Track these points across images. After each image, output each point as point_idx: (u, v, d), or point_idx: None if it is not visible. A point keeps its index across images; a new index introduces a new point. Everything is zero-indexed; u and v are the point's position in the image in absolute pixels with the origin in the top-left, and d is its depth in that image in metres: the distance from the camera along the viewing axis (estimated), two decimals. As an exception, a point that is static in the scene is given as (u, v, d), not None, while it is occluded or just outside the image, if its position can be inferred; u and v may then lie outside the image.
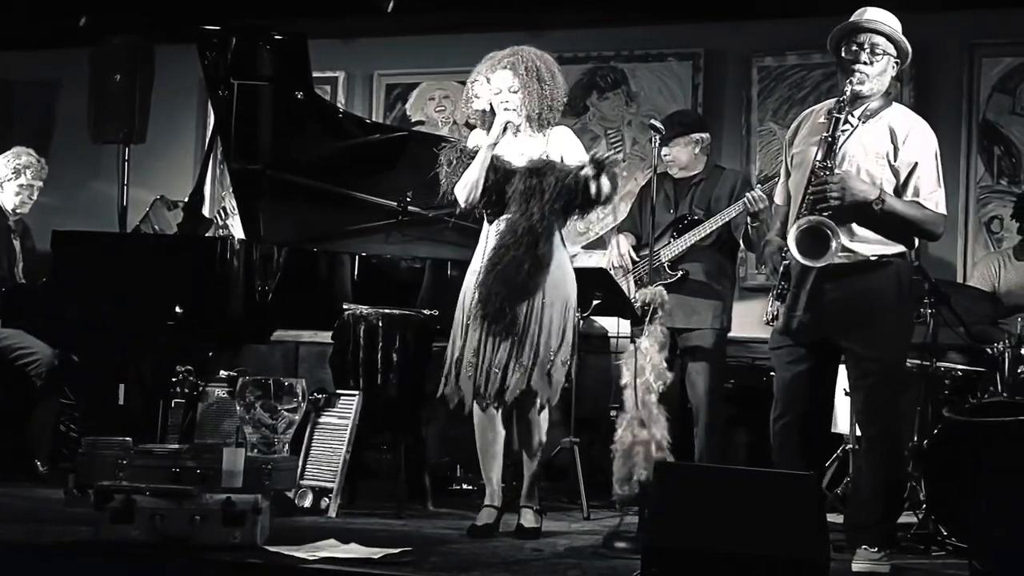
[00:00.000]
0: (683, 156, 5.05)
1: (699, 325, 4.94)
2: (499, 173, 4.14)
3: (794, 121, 3.94)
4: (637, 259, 5.06)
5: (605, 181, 4.09)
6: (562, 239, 4.21)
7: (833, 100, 3.75)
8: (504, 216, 4.14)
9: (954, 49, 5.84)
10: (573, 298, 4.22)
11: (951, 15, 5.80)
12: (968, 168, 5.80)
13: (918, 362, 4.52)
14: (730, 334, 5.08)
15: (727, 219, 4.87)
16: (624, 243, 5.13)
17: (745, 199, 4.73)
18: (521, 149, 4.17)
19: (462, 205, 4.20)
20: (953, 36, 5.83)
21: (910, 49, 3.71)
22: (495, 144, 4.14)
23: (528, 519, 4.15)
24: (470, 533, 4.10)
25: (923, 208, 3.67)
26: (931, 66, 5.83)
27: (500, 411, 4.15)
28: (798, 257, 3.57)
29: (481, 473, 4.26)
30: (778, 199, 3.95)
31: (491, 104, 4.18)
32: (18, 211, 5.45)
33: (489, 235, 4.18)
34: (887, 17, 3.71)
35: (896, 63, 3.72)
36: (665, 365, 4.06)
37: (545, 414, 4.18)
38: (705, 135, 5.12)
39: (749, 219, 4.75)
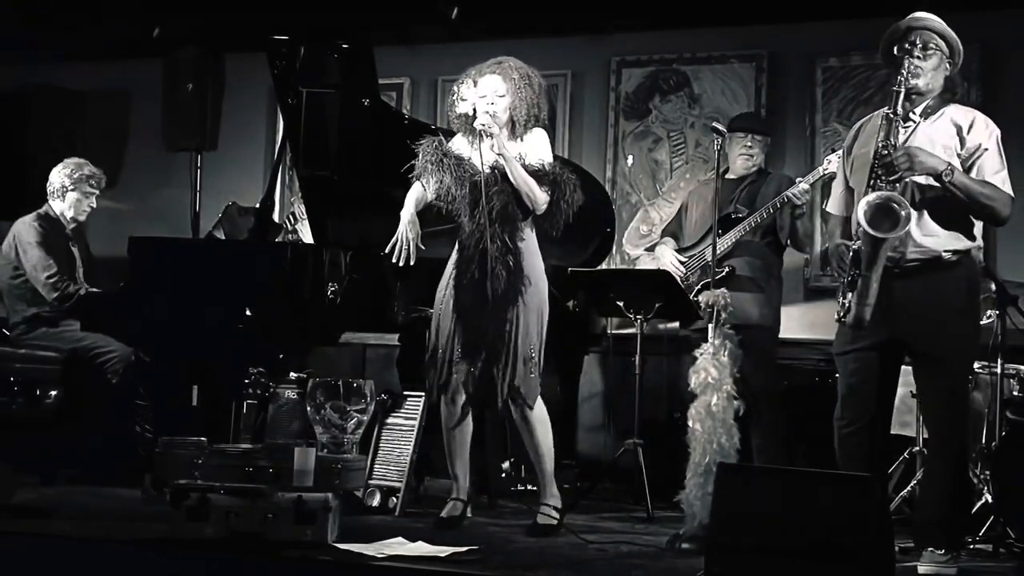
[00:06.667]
0: (761, 156, 5.17)
1: (744, 321, 4.95)
2: (470, 180, 4.17)
3: (851, 130, 3.95)
4: (684, 260, 5.12)
5: (540, 193, 4.11)
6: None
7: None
8: (468, 223, 4.18)
9: (1021, 46, 5.76)
10: (544, 298, 4.21)
11: (1017, 12, 5.72)
12: (1039, 167, 5.71)
13: (986, 364, 4.48)
14: (796, 336, 5.06)
15: (769, 212, 4.93)
16: (667, 252, 5.19)
17: (791, 193, 4.86)
18: (492, 156, 4.15)
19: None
20: (1020, 33, 5.76)
21: (961, 47, 3.71)
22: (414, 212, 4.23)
23: (543, 517, 4.18)
24: (437, 526, 4.15)
25: (990, 185, 3.65)
26: (998, 64, 5.76)
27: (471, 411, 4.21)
28: (868, 228, 3.50)
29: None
30: (833, 209, 3.93)
31: (474, 108, 4.19)
32: (76, 219, 5.59)
33: (460, 242, 4.23)
34: (935, 17, 3.72)
35: (949, 62, 3.72)
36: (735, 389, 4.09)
37: (543, 413, 4.18)
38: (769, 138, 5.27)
39: (793, 212, 4.85)
